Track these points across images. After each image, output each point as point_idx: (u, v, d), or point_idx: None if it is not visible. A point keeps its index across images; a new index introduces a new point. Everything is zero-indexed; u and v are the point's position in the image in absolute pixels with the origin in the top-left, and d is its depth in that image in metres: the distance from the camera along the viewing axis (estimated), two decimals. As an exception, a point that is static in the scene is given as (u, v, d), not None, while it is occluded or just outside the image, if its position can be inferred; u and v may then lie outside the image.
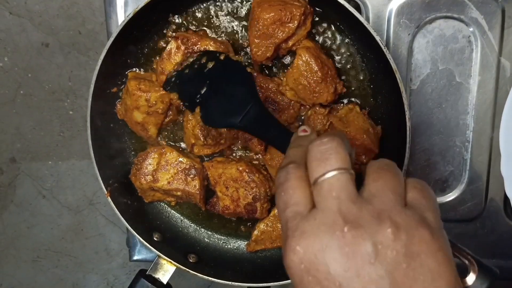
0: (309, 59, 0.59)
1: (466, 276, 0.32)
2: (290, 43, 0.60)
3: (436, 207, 0.34)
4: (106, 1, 0.68)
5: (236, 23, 0.64)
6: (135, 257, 0.76)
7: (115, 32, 0.58)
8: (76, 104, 1.18)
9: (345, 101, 0.64)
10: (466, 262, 0.33)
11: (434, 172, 0.70)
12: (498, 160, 0.66)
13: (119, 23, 0.69)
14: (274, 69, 0.64)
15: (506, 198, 0.68)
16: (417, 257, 0.31)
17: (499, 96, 0.66)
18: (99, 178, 0.63)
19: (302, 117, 0.65)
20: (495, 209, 0.70)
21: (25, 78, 1.17)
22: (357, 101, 0.64)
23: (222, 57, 0.59)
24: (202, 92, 0.58)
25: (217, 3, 0.64)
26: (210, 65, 0.59)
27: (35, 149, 1.21)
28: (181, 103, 0.62)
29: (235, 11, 0.64)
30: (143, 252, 0.76)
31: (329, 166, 0.33)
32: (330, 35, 0.63)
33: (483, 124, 0.67)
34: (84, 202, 1.24)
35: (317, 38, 0.63)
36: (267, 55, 0.60)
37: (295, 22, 0.58)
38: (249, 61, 0.64)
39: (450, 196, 0.70)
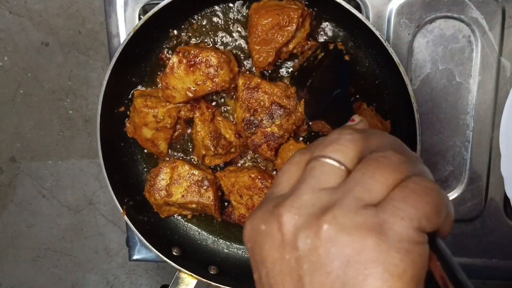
0: None
1: None
2: (291, 46, 0.61)
3: (430, 215, 0.27)
4: (106, 1, 0.68)
5: (236, 32, 0.64)
6: (135, 257, 0.76)
7: (117, 51, 0.59)
8: (76, 103, 1.17)
9: (352, 98, 0.64)
10: (440, 284, 0.27)
11: (434, 172, 0.70)
12: (498, 160, 0.66)
13: (119, 23, 0.69)
14: (280, 73, 0.64)
15: (506, 198, 0.68)
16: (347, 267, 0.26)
17: (499, 96, 0.66)
18: (114, 198, 0.63)
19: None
20: (495, 209, 0.70)
21: (25, 78, 1.17)
22: (364, 97, 0.64)
23: (331, 47, 0.59)
24: (308, 84, 0.59)
25: (216, 13, 0.64)
26: (320, 56, 0.59)
27: (34, 149, 1.21)
28: (190, 116, 0.64)
29: (234, 20, 0.64)
30: (142, 251, 0.76)
31: (328, 151, 0.30)
32: (330, 35, 0.63)
33: (483, 124, 0.67)
34: (83, 201, 1.24)
35: (319, 38, 0.63)
36: (269, 60, 0.60)
37: (294, 25, 0.58)
38: (252, 69, 0.65)
39: (450, 196, 0.70)
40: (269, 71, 0.64)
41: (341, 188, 0.28)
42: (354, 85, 0.64)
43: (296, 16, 0.58)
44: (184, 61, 0.61)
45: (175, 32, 0.64)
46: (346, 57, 0.58)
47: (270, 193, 0.32)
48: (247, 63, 0.65)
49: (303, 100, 0.60)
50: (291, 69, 0.64)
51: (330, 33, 0.63)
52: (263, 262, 0.29)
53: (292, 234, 0.28)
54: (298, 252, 0.27)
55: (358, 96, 0.64)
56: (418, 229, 0.26)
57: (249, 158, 0.67)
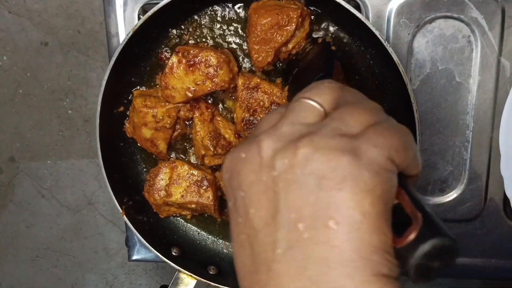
0: None
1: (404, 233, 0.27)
2: (290, 46, 0.60)
3: (400, 147, 0.29)
4: (105, 1, 0.68)
5: (236, 32, 0.64)
6: (134, 257, 0.76)
7: (117, 51, 0.58)
8: (76, 103, 1.17)
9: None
10: (409, 212, 0.28)
11: (434, 172, 0.70)
12: (498, 160, 0.66)
13: (118, 23, 0.69)
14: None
15: (505, 198, 0.68)
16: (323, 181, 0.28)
17: (499, 96, 0.66)
18: (114, 198, 0.63)
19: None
20: (494, 209, 0.70)
21: (24, 78, 1.17)
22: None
23: (319, 41, 0.60)
24: (294, 72, 0.59)
25: (216, 13, 0.64)
26: (308, 48, 0.60)
27: (34, 149, 1.21)
28: (190, 116, 0.64)
29: (233, 20, 0.64)
30: (142, 251, 0.76)
31: (308, 94, 0.32)
32: (331, 35, 0.63)
33: (483, 124, 0.67)
34: (83, 201, 1.24)
35: (319, 39, 0.63)
36: (268, 60, 0.60)
37: (293, 24, 0.58)
38: (253, 68, 0.64)
39: (449, 196, 0.70)
40: (269, 71, 0.64)
41: (319, 123, 0.30)
42: (354, 85, 0.64)
43: (295, 16, 0.58)
44: (184, 61, 0.61)
45: (175, 32, 0.64)
46: (333, 47, 0.59)
47: (250, 134, 0.33)
48: (247, 63, 0.65)
49: (287, 87, 0.60)
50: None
51: (330, 34, 0.63)
52: (240, 187, 0.31)
53: (271, 156, 0.29)
54: (275, 172, 0.29)
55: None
56: (388, 159, 0.28)
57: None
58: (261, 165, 0.30)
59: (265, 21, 0.58)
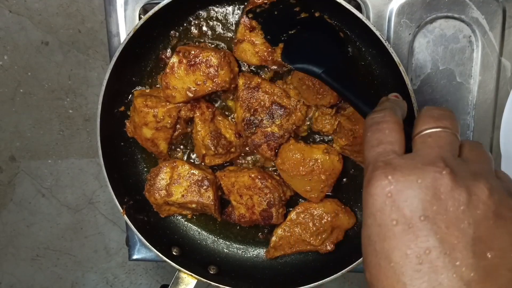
0: None
1: None
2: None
3: None
4: (106, 0, 0.68)
5: (236, 32, 0.64)
6: (135, 256, 0.76)
7: (117, 51, 0.58)
8: (76, 102, 1.17)
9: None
10: None
11: (434, 172, 0.69)
12: (498, 160, 0.66)
13: (119, 22, 0.69)
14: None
15: (506, 198, 0.68)
16: (503, 220, 0.32)
17: (500, 96, 0.66)
18: (114, 198, 0.63)
19: (311, 119, 0.65)
20: (495, 209, 0.70)
21: (25, 77, 1.17)
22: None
23: (316, 14, 0.60)
24: (291, 32, 0.59)
25: (217, 13, 0.64)
26: (303, 15, 0.59)
27: (34, 148, 1.21)
28: (191, 115, 0.64)
29: (233, 20, 0.64)
30: (142, 251, 0.76)
31: (442, 123, 0.34)
32: (330, 35, 0.63)
33: (484, 124, 0.67)
34: (83, 201, 1.24)
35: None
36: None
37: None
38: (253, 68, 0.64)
39: (450, 196, 0.70)
40: (270, 71, 0.64)
41: (470, 160, 0.35)
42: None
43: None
44: (184, 61, 0.61)
45: (176, 31, 0.64)
46: (341, 34, 0.59)
47: (376, 154, 0.34)
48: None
49: (281, 45, 0.59)
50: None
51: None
52: (418, 213, 0.32)
53: (452, 189, 0.32)
54: (460, 206, 0.31)
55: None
56: None
57: (249, 158, 0.67)
58: (438, 195, 0.32)
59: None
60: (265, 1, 0.60)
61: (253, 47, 0.60)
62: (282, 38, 0.59)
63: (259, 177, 0.64)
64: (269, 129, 0.62)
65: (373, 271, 0.33)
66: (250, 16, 0.61)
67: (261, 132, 0.63)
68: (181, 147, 0.68)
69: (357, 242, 0.66)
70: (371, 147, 0.35)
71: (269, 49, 0.60)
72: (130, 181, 0.68)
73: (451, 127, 0.35)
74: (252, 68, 0.64)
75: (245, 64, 0.64)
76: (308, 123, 0.64)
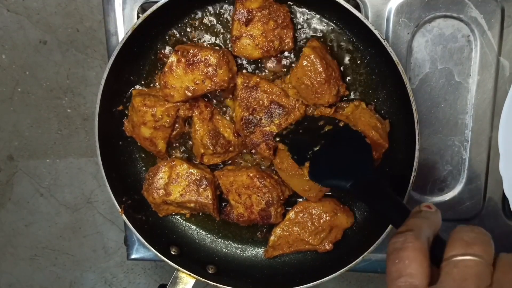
0: (314, 60, 0.59)
1: None
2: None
3: None
4: (104, -1, 0.68)
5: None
6: (133, 256, 0.76)
7: (116, 50, 0.58)
8: (74, 102, 1.17)
9: (351, 95, 0.64)
10: None
11: (433, 172, 0.70)
12: (497, 159, 0.66)
13: (117, 21, 0.68)
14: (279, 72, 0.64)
15: (504, 197, 0.68)
16: None
17: (498, 95, 0.66)
18: (113, 197, 0.63)
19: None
20: (493, 209, 0.70)
21: (23, 76, 1.16)
22: (363, 97, 0.64)
23: (341, 124, 0.59)
24: (315, 149, 0.58)
25: (215, 12, 0.63)
26: (327, 128, 0.59)
27: (32, 147, 1.21)
28: (189, 115, 0.63)
29: (229, 18, 0.64)
30: (140, 250, 0.75)
31: (472, 250, 0.32)
32: (331, 34, 0.63)
33: (482, 123, 0.67)
34: (81, 200, 1.23)
35: (320, 39, 0.63)
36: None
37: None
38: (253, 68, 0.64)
39: (448, 196, 0.70)
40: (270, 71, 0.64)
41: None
42: (353, 85, 0.64)
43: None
44: (183, 60, 0.60)
45: (174, 31, 0.64)
46: (367, 140, 0.57)
47: (407, 283, 0.32)
48: (245, 62, 0.65)
49: (307, 164, 0.58)
50: (291, 66, 0.63)
51: (330, 33, 0.63)
52: None
53: None
54: None
55: (357, 95, 0.64)
56: None
57: (247, 157, 0.67)
58: None
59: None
60: (291, 123, 0.61)
61: (252, 40, 0.60)
62: (308, 157, 0.58)
63: (257, 176, 0.64)
64: (267, 128, 0.62)
65: None
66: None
67: (259, 131, 0.63)
68: (180, 146, 0.68)
69: (355, 242, 0.67)
70: (391, 281, 0.33)
71: (269, 39, 0.60)
72: (129, 181, 0.68)
73: (483, 254, 0.32)
74: (251, 69, 0.64)
75: (244, 63, 0.64)
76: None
